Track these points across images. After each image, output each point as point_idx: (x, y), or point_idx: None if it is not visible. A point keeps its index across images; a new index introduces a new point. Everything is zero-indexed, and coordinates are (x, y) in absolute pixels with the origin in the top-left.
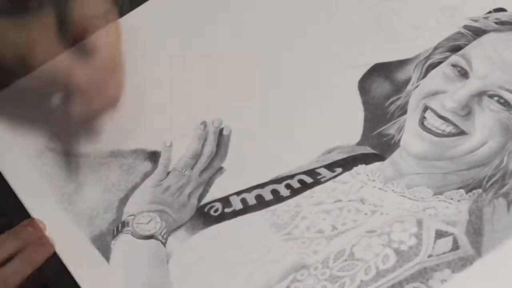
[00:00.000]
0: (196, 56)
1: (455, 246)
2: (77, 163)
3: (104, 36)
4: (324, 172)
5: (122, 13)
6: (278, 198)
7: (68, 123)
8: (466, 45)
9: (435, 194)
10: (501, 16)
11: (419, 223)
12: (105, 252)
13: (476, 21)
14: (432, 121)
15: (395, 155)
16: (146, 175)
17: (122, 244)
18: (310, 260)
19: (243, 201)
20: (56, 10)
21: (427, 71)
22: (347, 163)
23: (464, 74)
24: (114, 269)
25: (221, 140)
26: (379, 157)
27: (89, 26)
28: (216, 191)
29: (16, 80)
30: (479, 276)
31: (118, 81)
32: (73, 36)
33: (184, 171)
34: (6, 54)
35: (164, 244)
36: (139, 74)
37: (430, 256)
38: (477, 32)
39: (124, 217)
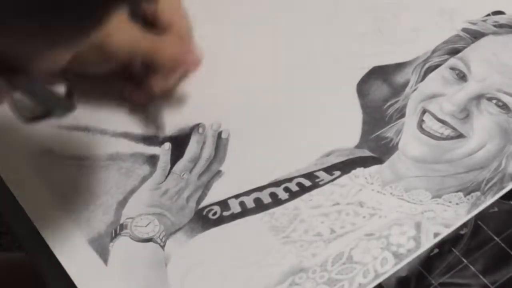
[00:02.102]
0: None
1: None
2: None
3: (169, 8)
4: (322, 175)
5: None
6: (276, 201)
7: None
8: (464, 48)
9: (433, 197)
10: (499, 19)
11: (418, 226)
12: (103, 254)
13: (474, 24)
14: (430, 124)
15: (393, 158)
16: (144, 179)
17: (120, 246)
18: (309, 263)
19: (242, 204)
20: None
21: (426, 74)
22: (346, 166)
23: (462, 77)
24: (112, 272)
25: (220, 143)
26: (378, 160)
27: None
28: (215, 195)
29: (93, 68)
30: None
31: (195, 47)
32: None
33: (183, 175)
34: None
35: (162, 247)
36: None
37: None
38: (476, 35)
39: (122, 220)
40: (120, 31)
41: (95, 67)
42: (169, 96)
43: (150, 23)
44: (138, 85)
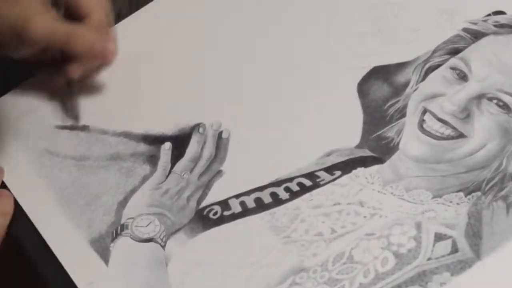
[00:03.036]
0: (195, 59)
1: (454, 249)
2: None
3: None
4: (323, 175)
5: (121, 16)
6: (277, 201)
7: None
8: (465, 48)
9: (434, 197)
10: (500, 19)
11: (418, 226)
12: (104, 254)
13: (475, 24)
14: (431, 124)
15: (394, 158)
16: (145, 178)
17: (121, 247)
18: (309, 263)
19: (242, 204)
20: None
21: (426, 74)
22: (346, 166)
23: (463, 77)
24: (113, 272)
25: (220, 143)
26: (378, 160)
27: None
28: (215, 194)
29: (12, 52)
30: (478, 279)
31: (112, 38)
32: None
33: (183, 174)
34: (3, 30)
35: (163, 247)
36: (138, 76)
37: (429, 259)
38: (476, 35)
39: (123, 220)
40: (38, 17)
41: (15, 52)
42: (86, 83)
43: (70, 11)
44: (57, 70)
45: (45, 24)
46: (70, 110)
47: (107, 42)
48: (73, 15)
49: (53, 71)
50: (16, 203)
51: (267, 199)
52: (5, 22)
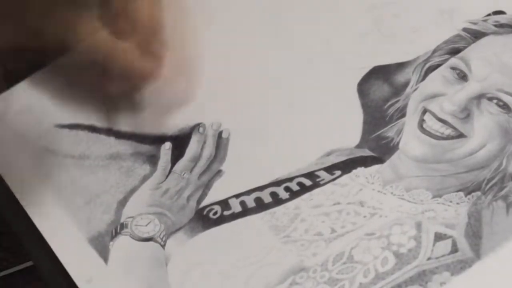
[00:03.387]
0: (194, 58)
1: (454, 249)
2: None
3: (144, 7)
4: (323, 174)
5: None
6: (277, 200)
7: (109, 98)
8: (465, 47)
9: (434, 196)
10: (500, 18)
11: (418, 226)
12: (103, 253)
13: (475, 23)
14: (431, 123)
15: (394, 158)
16: (145, 178)
17: (120, 246)
18: (309, 262)
19: (242, 203)
20: None
21: (426, 73)
22: (346, 166)
23: (463, 76)
24: (112, 271)
25: (220, 143)
26: (378, 160)
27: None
28: (215, 194)
29: (55, 59)
30: (478, 278)
31: (158, 54)
32: (114, 16)
33: (183, 174)
34: (47, 33)
35: (163, 246)
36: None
37: (429, 258)
38: (476, 35)
39: (122, 219)
40: (84, 26)
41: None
42: (127, 100)
43: (121, 24)
44: (98, 87)
45: (88, 29)
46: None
47: (148, 62)
48: (123, 28)
49: (93, 88)
50: (15, 201)
51: (267, 198)
52: (50, 24)
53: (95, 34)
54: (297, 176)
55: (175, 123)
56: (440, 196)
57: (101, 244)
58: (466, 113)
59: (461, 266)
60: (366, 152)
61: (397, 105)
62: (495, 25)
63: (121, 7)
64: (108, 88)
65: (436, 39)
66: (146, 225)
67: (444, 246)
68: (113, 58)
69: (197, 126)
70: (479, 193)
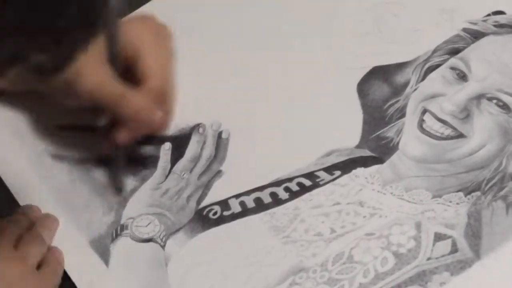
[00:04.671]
0: (194, 58)
1: (454, 249)
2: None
3: (154, 61)
4: (323, 175)
5: (121, 14)
6: (277, 201)
7: (112, 149)
8: (465, 48)
9: (434, 197)
10: (500, 19)
11: (418, 226)
12: (104, 255)
13: (475, 24)
14: (431, 124)
15: (393, 158)
16: (144, 178)
17: (121, 247)
18: (309, 263)
19: (242, 204)
20: (105, 34)
21: (426, 74)
22: (346, 166)
23: (463, 77)
24: (113, 272)
25: (220, 143)
26: (378, 160)
27: (139, 51)
28: (215, 194)
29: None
30: (478, 279)
31: (167, 110)
32: (123, 62)
33: (183, 174)
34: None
35: (163, 247)
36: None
37: (429, 259)
38: (476, 35)
39: (123, 220)
40: (91, 71)
41: (63, 102)
42: (133, 151)
43: (129, 72)
44: (103, 132)
45: (96, 79)
46: (113, 181)
47: (156, 111)
48: (131, 77)
49: (100, 136)
50: (16, 203)
51: (267, 199)
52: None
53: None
54: (297, 177)
55: (175, 123)
56: (440, 196)
57: (102, 246)
58: (465, 113)
59: (461, 266)
60: (366, 152)
61: (397, 105)
62: (495, 25)
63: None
64: (117, 138)
65: (436, 39)
66: (146, 226)
67: (444, 246)
68: (121, 103)
69: (197, 126)
70: (478, 193)
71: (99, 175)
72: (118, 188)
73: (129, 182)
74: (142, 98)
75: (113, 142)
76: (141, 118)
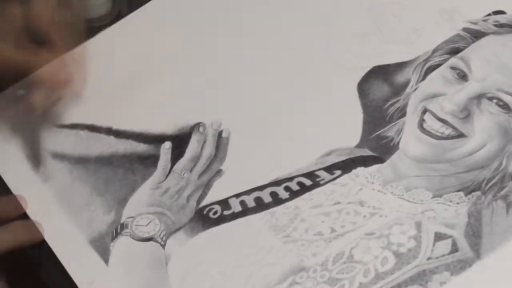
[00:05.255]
0: (195, 58)
1: (454, 249)
2: (42, 154)
3: (47, 20)
4: (323, 174)
5: (120, 15)
6: (277, 200)
7: (30, 111)
8: (465, 47)
9: (434, 196)
10: (500, 18)
11: (418, 226)
12: (104, 254)
13: (475, 23)
14: (431, 123)
15: (394, 158)
16: (145, 178)
17: (121, 246)
18: (309, 262)
19: (242, 203)
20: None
21: (426, 73)
22: (346, 166)
23: (463, 76)
24: (113, 271)
25: (220, 142)
26: (378, 160)
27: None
28: (215, 194)
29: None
30: (478, 278)
31: (79, 72)
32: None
33: (183, 174)
34: None
35: (163, 246)
36: (138, 75)
37: (429, 258)
38: (476, 35)
39: (123, 219)
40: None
41: None
42: (48, 113)
43: (32, 35)
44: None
45: (11, 45)
46: (32, 150)
47: (62, 70)
48: (35, 39)
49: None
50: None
51: (267, 198)
52: None
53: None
54: (297, 176)
55: (175, 122)
56: (440, 196)
57: (102, 246)
58: (466, 113)
59: (461, 266)
60: (366, 152)
61: (397, 105)
62: (495, 25)
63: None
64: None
65: (436, 39)
66: (146, 225)
67: (444, 246)
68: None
69: (197, 125)
70: (479, 193)
71: (100, 174)
72: (36, 158)
73: (129, 181)
74: (48, 59)
75: (29, 105)
76: (54, 78)
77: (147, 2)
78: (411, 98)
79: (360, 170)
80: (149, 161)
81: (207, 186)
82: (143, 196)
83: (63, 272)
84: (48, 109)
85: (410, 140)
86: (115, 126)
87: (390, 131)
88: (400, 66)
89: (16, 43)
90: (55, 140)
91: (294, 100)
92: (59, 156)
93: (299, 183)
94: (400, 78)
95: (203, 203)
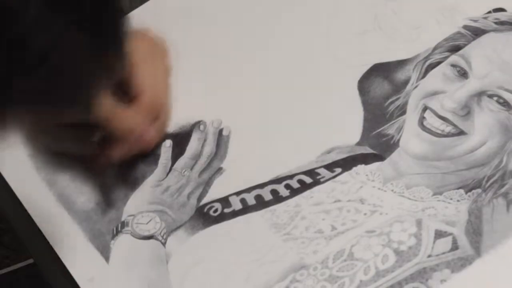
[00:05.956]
0: (196, 56)
1: (455, 246)
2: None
3: (148, 77)
4: (323, 172)
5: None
6: (277, 198)
7: (104, 164)
8: (465, 45)
9: (434, 194)
10: (500, 16)
11: (419, 223)
12: (105, 252)
13: (475, 21)
14: (431, 121)
15: (394, 155)
16: (145, 176)
17: (121, 244)
18: (310, 260)
19: (243, 201)
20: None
21: (427, 71)
22: (347, 163)
23: (463, 74)
24: (114, 269)
25: (221, 140)
26: (379, 157)
27: (133, 67)
28: (216, 192)
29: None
30: (479, 276)
31: (159, 127)
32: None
33: (184, 172)
34: None
35: (163, 244)
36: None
37: (429, 256)
38: (477, 32)
39: (123, 217)
40: None
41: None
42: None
43: (124, 89)
44: (97, 149)
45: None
46: (104, 197)
47: (148, 128)
48: (126, 93)
49: (94, 153)
50: (17, 200)
51: (268, 196)
52: None
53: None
54: (297, 174)
55: (175, 121)
56: (440, 193)
57: (103, 243)
58: (466, 111)
59: (462, 263)
60: (367, 150)
61: (398, 103)
62: (496, 23)
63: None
64: (109, 153)
65: (437, 37)
66: (147, 223)
67: (445, 244)
68: (113, 120)
69: (197, 123)
70: (479, 190)
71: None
72: (108, 204)
73: (130, 179)
74: (134, 115)
75: (106, 159)
76: (133, 135)
77: (148, 0)
78: (411, 96)
79: (360, 168)
80: (150, 159)
81: (208, 184)
82: (144, 194)
83: (64, 269)
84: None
85: (410, 137)
86: None
87: (390, 129)
88: (400, 63)
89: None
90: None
91: (294, 98)
92: (60, 154)
93: (300, 181)
94: (400, 75)
95: (204, 201)
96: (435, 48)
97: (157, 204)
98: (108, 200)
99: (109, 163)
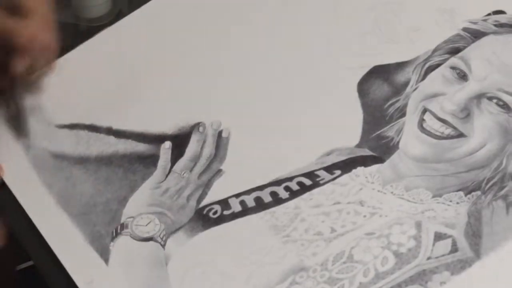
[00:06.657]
0: (195, 58)
1: (454, 248)
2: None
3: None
4: (323, 174)
5: (120, 15)
6: (277, 200)
7: (11, 79)
8: (465, 47)
9: (434, 196)
10: (500, 18)
11: (418, 226)
12: (104, 254)
13: (475, 23)
14: (431, 123)
15: (394, 158)
16: (144, 178)
17: (121, 246)
18: (309, 262)
19: (242, 203)
20: None
21: (426, 73)
22: (346, 165)
23: (463, 76)
24: (113, 271)
25: (220, 142)
26: (378, 159)
27: None
28: (215, 194)
29: None
30: (478, 278)
31: (54, 37)
32: None
33: (183, 173)
34: None
35: (163, 246)
36: (138, 75)
37: (429, 258)
38: (476, 35)
39: (123, 219)
40: None
41: None
42: (31, 83)
43: (14, 9)
44: (2, 68)
45: None
46: (15, 121)
47: (49, 35)
48: (16, 12)
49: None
50: (16, 202)
51: (267, 198)
52: None
53: None
54: (297, 176)
55: (175, 122)
56: (440, 195)
57: (102, 245)
58: (466, 113)
59: (461, 265)
60: (366, 152)
61: (397, 105)
62: (495, 25)
63: None
64: (14, 68)
65: (436, 39)
66: (146, 225)
67: (444, 246)
68: (14, 33)
69: (197, 125)
70: (479, 192)
71: (100, 174)
72: (21, 128)
73: (129, 181)
74: (32, 25)
75: (11, 74)
76: (36, 43)
77: (147, 2)
78: (411, 98)
79: (360, 170)
80: (149, 161)
81: (207, 186)
82: (143, 196)
83: (63, 271)
84: (29, 78)
85: (410, 139)
86: (115, 126)
87: (390, 131)
88: (400, 65)
89: None
90: (55, 140)
91: (294, 100)
92: (59, 156)
93: (299, 183)
94: (400, 77)
95: (203, 203)
96: (434, 50)
97: (156, 206)
98: (20, 124)
99: (18, 79)
